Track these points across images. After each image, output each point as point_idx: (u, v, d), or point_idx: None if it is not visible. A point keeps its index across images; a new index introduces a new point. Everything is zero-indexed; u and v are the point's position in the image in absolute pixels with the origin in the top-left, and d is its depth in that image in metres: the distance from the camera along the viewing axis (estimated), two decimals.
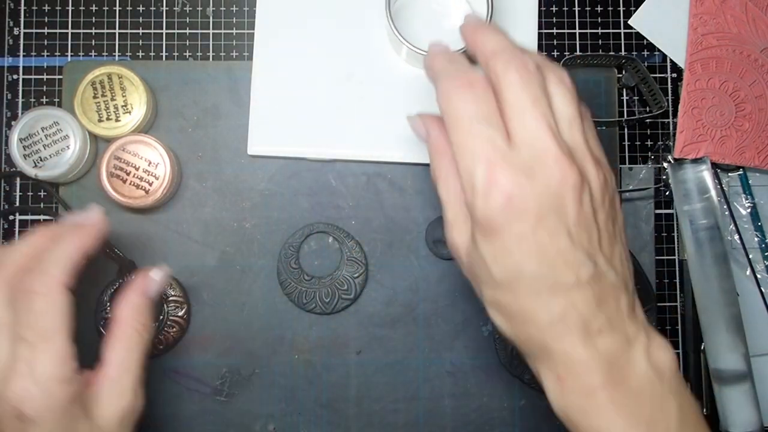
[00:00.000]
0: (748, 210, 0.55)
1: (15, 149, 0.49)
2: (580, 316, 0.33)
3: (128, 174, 0.50)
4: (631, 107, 0.56)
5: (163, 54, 0.55)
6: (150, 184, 0.49)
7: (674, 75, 0.56)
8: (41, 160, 0.50)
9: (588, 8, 0.56)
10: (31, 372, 0.36)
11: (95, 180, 0.52)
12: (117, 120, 0.50)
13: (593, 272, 0.33)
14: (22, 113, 0.51)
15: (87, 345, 0.52)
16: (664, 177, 0.55)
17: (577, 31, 0.56)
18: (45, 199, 0.53)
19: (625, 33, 0.56)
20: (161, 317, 0.51)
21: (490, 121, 0.33)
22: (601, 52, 0.56)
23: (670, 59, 0.56)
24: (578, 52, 0.56)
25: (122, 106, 0.50)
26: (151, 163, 0.50)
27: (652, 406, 0.33)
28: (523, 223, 0.32)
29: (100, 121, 0.50)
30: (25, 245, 0.39)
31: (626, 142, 0.55)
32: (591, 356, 0.33)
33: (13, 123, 0.49)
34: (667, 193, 0.55)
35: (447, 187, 0.36)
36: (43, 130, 0.50)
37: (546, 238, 0.32)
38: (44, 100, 0.54)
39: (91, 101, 0.50)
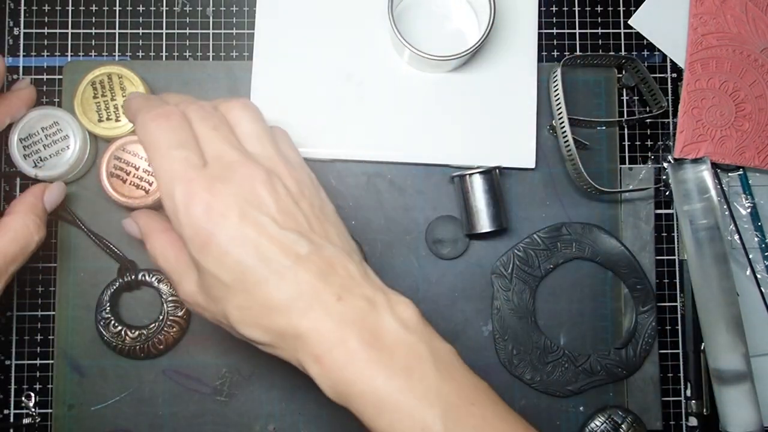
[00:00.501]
0: (748, 210, 0.55)
1: (15, 149, 0.49)
2: (313, 289, 0.35)
3: (128, 174, 0.49)
4: (631, 107, 0.56)
5: (163, 54, 0.55)
6: (150, 184, 0.49)
7: (674, 75, 0.56)
8: (41, 160, 0.49)
9: (588, 8, 0.56)
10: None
11: (95, 180, 0.52)
12: (117, 120, 0.50)
13: (310, 248, 0.36)
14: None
15: (87, 343, 0.52)
16: (664, 177, 0.55)
17: (577, 31, 0.56)
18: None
19: (625, 33, 0.56)
20: (161, 317, 0.51)
21: (186, 145, 0.37)
22: (601, 52, 0.56)
23: (670, 59, 0.56)
24: (578, 52, 0.56)
25: (122, 106, 0.50)
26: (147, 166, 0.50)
27: (407, 355, 0.35)
28: (229, 223, 0.35)
29: (100, 121, 0.50)
30: None
31: (626, 142, 0.55)
32: (338, 324, 0.35)
33: (13, 123, 0.49)
34: (667, 193, 0.55)
35: (165, 256, 0.40)
36: (43, 130, 0.50)
37: (253, 229, 0.35)
38: (44, 100, 0.54)
39: (91, 101, 0.50)
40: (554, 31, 0.56)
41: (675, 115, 0.55)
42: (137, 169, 0.50)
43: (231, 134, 0.38)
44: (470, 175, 0.51)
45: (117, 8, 0.55)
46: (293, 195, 0.38)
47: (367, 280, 0.37)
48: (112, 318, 0.51)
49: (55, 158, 0.50)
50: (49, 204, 0.47)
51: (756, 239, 0.55)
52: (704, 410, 0.53)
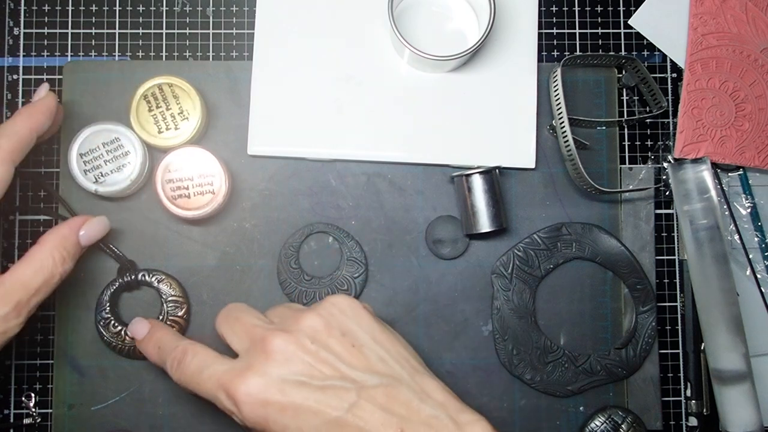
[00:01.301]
0: (748, 210, 0.55)
1: (75, 164, 0.49)
2: (373, 427, 0.36)
3: (188, 188, 0.49)
4: (631, 107, 0.56)
5: (163, 54, 0.55)
6: (211, 184, 0.49)
7: (674, 75, 0.56)
8: (102, 175, 0.49)
9: (588, 8, 0.56)
10: None
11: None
12: (176, 128, 0.50)
13: (356, 386, 0.37)
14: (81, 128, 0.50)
15: (87, 343, 0.52)
16: (664, 177, 0.55)
17: (577, 31, 0.56)
18: (45, 199, 0.53)
19: (625, 33, 0.56)
20: (161, 317, 0.51)
21: (209, 361, 0.41)
22: (601, 52, 0.56)
23: (670, 59, 0.56)
24: (578, 52, 0.56)
25: (179, 114, 0.50)
26: (201, 167, 0.50)
27: None
28: (275, 405, 0.37)
29: (160, 132, 0.50)
30: None
31: (626, 142, 0.55)
32: None
33: (78, 133, 0.49)
34: (667, 193, 0.55)
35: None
36: (104, 146, 0.49)
37: (298, 398, 0.37)
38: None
39: (147, 115, 0.50)
40: (554, 31, 0.56)
41: (675, 115, 0.55)
42: (192, 179, 0.49)
43: (253, 315, 0.43)
44: (470, 175, 0.51)
45: (117, 8, 0.55)
46: (320, 337, 0.39)
47: (426, 400, 0.37)
48: (112, 318, 0.51)
49: (116, 174, 0.49)
50: (86, 239, 0.46)
51: (756, 239, 0.55)
52: (704, 410, 0.53)
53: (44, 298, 0.43)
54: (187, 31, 0.55)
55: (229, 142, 0.53)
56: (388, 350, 0.40)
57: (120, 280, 0.52)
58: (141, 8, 0.55)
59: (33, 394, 0.52)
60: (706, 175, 0.52)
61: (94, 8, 0.55)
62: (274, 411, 0.37)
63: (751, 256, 0.55)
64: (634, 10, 0.56)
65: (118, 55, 0.55)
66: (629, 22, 0.56)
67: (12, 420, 0.52)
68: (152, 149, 0.53)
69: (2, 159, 0.42)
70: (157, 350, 0.44)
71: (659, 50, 0.56)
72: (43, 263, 0.42)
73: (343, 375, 0.37)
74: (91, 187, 0.49)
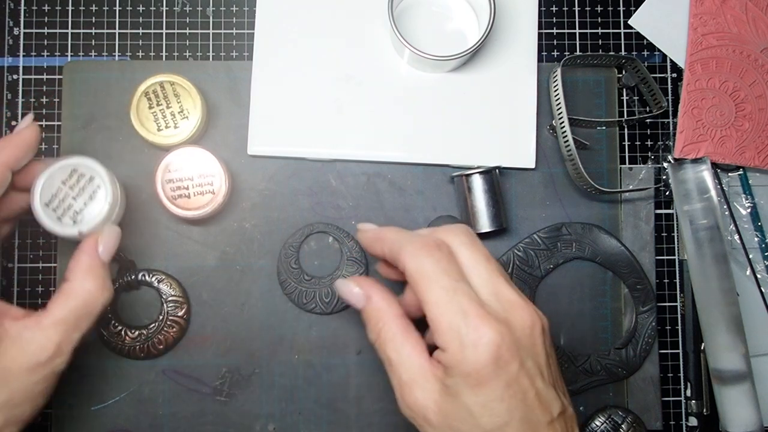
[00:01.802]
0: (748, 210, 0.55)
1: (44, 217, 0.43)
2: None
3: (188, 188, 0.49)
4: (631, 107, 0.56)
5: (163, 54, 0.55)
6: (211, 185, 0.49)
7: (674, 75, 0.56)
8: (77, 213, 0.44)
9: (588, 8, 0.56)
10: None
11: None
12: (176, 127, 0.50)
13: (561, 407, 0.36)
14: (39, 178, 0.44)
15: (87, 343, 0.52)
16: (664, 177, 0.55)
17: (577, 31, 0.56)
18: None
19: (625, 33, 0.56)
20: (161, 317, 0.51)
21: (462, 277, 0.36)
22: (601, 52, 0.56)
23: (670, 59, 0.56)
24: (578, 52, 0.56)
25: (179, 113, 0.50)
26: (201, 167, 0.49)
27: None
28: (510, 371, 0.34)
29: (159, 130, 0.50)
30: None
31: (626, 142, 0.55)
32: None
33: (34, 185, 0.43)
34: (667, 193, 0.55)
35: (397, 349, 0.37)
36: (64, 184, 0.44)
37: (527, 382, 0.35)
38: (44, 100, 0.54)
39: (147, 112, 0.50)
40: (554, 31, 0.56)
41: (675, 115, 0.55)
42: (192, 179, 0.49)
43: (495, 269, 0.37)
44: (470, 175, 0.51)
45: (117, 8, 0.55)
46: (548, 345, 0.37)
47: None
48: (112, 318, 0.51)
49: (90, 206, 0.44)
50: (106, 254, 0.43)
51: (756, 239, 0.55)
52: (704, 410, 0.53)
53: (88, 328, 0.41)
54: (187, 31, 0.55)
55: (229, 142, 0.53)
56: (563, 389, 0.38)
57: (120, 280, 0.52)
58: (141, 8, 0.55)
59: None
60: (706, 175, 0.52)
61: (94, 8, 0.55)
62: (506, 368, 0.34)
63: (751, 256, 0.55)
64: (634, 10, 0.56)
65: (118, 55, 0.55)
66: (629, 22, 0.56)
67: None
68: (151, 148, 0.53)
69: None
70: (402, 233, 0.40)
71: (659, 50, 0.56)
72: (78, 299, 0.40)
73: (556, 390, 0.36)
74: (74, 231, 0.43)
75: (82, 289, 0.41)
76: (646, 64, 0.55)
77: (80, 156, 0.44)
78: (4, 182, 0.42)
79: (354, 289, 0.40)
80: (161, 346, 0.52)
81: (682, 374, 0.54)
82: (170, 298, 0.52)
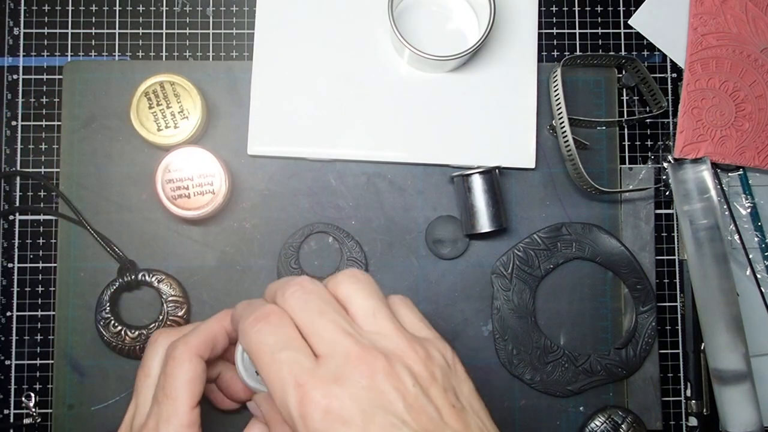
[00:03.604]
0: (748, 210, 0.55)
1: (247, 378, 0.41)
2: None
3: (188, 188, 0.49)
4: (631, 107, 0.56)
5: (163, 54, 0.55)
6: (211, 184, 0.49)
7: (674, 75, 0.56)
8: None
9: (588, 8, 0.56)
10: (155, 429, 0.39)
11: (94, 179, 0.52)
12: (176, 127, 0.50)
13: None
14: None
15: (87, 343, 0.52)
16: (664, 177, 0.55)
17: (577, 31, 0.56)
18: (45, 199, 0.53)
19: (625, 33, 0.56)
20: (161, 317, 0.51)
21: (291, 345, 0.33)
22: (601, 52, 0.56)
23: (670, 59, 0.56)
24: (578, 52, 0.56)
25: (179, 112, 0.50)
26: (201, 167, 0.49)
27: None
28: (352, 430, 0.31)
29: (159, 130, 0.50)
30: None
31: (626, 142, 0.55)
32: None
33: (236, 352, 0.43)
34: (667, 193, 0.55)
35: None
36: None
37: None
38: (44, 100, 0.54)
39: (147, 112, 0.50)
40: (554, 31, 0.56)
41: (675, 115, 0.55)
42: (192, 179, 0.49)
43: (340, 316, 0.34)
44: (470, 175, 0.51)
45: (117, 8, 0.55)
46: (422, 382, 0.33)
47: None
48: (112, 318, 0.51)
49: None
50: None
51: (756, 239, 0.55)
52: (704, 410, 0.53)
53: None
54: (187, 31, 0.55)
55: (229, 142, 0.53)
56: (484, 423, 0.35)
57: (120, 280, 0.52)
58: (141, 8, 0.55)
59: (33, 394, 0.52)
60: (706, 175, 0.52)
61: (94, 8, 0.55)
62: (345, 430, 0.31)
63: (751, 256, 0.55)
64: (634, 10, 0.56)
65: (118, 55, 0.55)
66: (629, 22, 0.56)
67: (12, 420, 0.52)
68: (152, 147, 0.53)
69: (189, 354, 0.40)
70: (246, 305, 0.38)
71: (659, 50, 0.56)
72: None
73: (435, 430, 0.32)
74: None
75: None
76: (646, 64, 0.55)
77: None
78: (223, 343, 0.42)
79: (252, 407, 0.42)
80: None
81: (682, 374, 0.54)
82: (170, 298, 0.52)
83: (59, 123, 0.54)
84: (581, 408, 0.53)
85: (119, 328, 0.51)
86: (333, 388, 0.31)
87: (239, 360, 0.41)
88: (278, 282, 0.37)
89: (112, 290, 0.52)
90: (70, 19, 0.55)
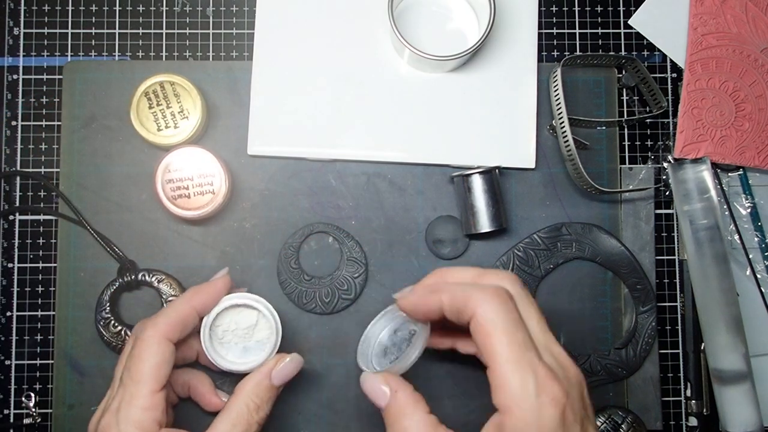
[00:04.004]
0: (748, 210, 0.55)
1: (214, 355, 0.45)
2: None
3: (188, 188, 0.49)
4: (631, 107, 0.56)
5: (163, 54, 0.55)
6: (211, 185, 0.49)
7: (674, 75, 0.56)
8: (245, 350, 0.46)
9: (588, 8, 0.56)
10: (117, 411, 0.39)
11: (94, 179, 0.52)
12: (176, 127, 0.50)
13: None
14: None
15: (87, 343, 0.52)
16: (664, 177, 0.55)
17: (577, 31, 0.56)
18: (45, 199, 0.53)
19: (625, 33, 0.56)
20: None
21: (525, 329, 0.36)
22: (601, 52, 0.56)
23: (670, 59, 0.56)
24: (578, 52, 0.56)
25: (179, 113, 0.50)
26: (201, 167, 0.49)
27: None
28: (575, 431, 0.34)
29: (159, 130, 0.50)
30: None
31: (626, 142, 0.55)
32: None
33: (204, 324, 0.44)
34: (667, 193, 0.55)
35: None
36: (230, 320, 0.46)
37: None
38: (44, 100, 0.54)
39: (147, 112, 0.50)
40: (554, 31, 0.56)
41: (675, 115, 0.55)
42: (192, 179, 0.49)
43: (546, 324, 0.38)
44: (470, 175, 0.51)
45: (117, 8, 0.55)
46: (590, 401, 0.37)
47: None
48: (112, 318, 0.51)
49: (254, 338, 0.46)
50: (278, 379, 0.44)
51: (756, 239, 0.55)
52: (704, 410, 0.53)
53: None
54: (187, 31, 0.55)
55: (229, 142, 0.53)
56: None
57: (120, 280, 0.52)
58: (141, 8, 0.55)
59: (33, 394, 0.52)
60: (706, 175, 0.52)
61: (94, 8, 0.55)
62: (569, 428, 0.34)
63: (751, 256, 0.55)
64: (634, 10, 0.56)
65: (118, 55, 0.55)
66: (629, 22, 0.56)
67: (12, 420, 0.52)
68: (152, 147, 0.53)
69: (156, 337, 0.41)
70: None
71: (659, 50, 0.56)
72: (239, 413, 0.42)
73: None
74: (243, 367, 0.45)
75: (245, 408, 0.42)
76: (646, 64, 0.55)
77: (239, 292, 0.46)
78: (191, 324, 0.43)
79: (381, 386, 0.39)
80: None
81: (682, 374, 0.54)
82: (170, 298, 0.52)
83: (59, 123, 0.54)
84: None
85: (119, 328, 0.51)
86: (565, 386, 0.34)
87: (206, 337, 0.43)
88: (498, 275, 0.39)
89: (112, 290, 0.52)
90: (70, 19, 0.55)
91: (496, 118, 0.53)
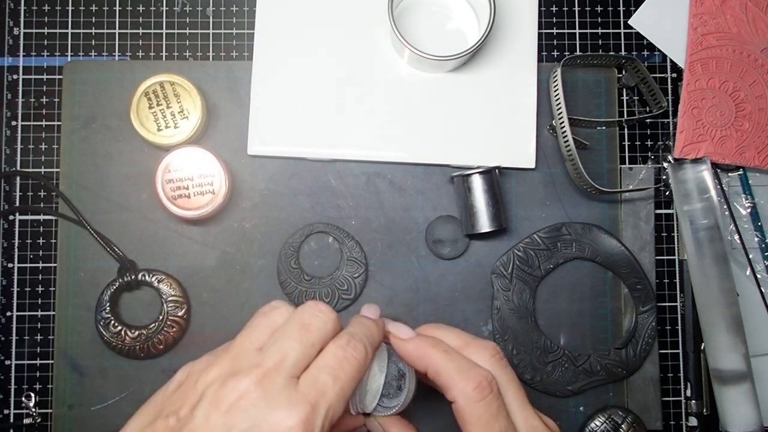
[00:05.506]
0: (748, 210, 0.55)
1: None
2: None
3: (188, 188, 0.49)
4: (631, 107, 0.56)
5: (163, 54, 0.55)
6: (211, 185, 0.49)
7: (674, 75, 0.56)
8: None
9: (588, 8, 0.56)
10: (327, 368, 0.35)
11: (94, 179, 0.52)
12: (176, 127, 0.50)
13: None
14: None
15: (87, 343, 0.52)
16: (664, 177, 0.55)
17: (577, 31, 0.56)
18: (45, 199, 0.53)
19: (625, 33, 0.56)
20: (161, 317, 0.51)
21: (508, 418, 0.37)
22: (601, 52, 0.56)
23: (670, 59, 0.56)
24: (578, 52, 0.56)
25: (179, 113, 0.50)
26: (201, 167, 0.49)
27: None
28: None
29: (159, 130, 0.50)
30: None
31: (626, 142, 0.55)
32: None
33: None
34: (667, 193, 0.55)
35: None
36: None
37: None
38: (44, 100, 0.54)
39: (147, 112, 0.50)
40: (554, 31, 0.56)
41: (675, 115, 0.55)
42: (192, 179, 0.49)
43: (526, 399, 0.40)
44: (470, 175, 0.51)
45: (117, 8, 0.55)
46: None
47: None
48: (112, 318, 0.51)
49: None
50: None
51: (756, 239, 0.55)
52: (704, 410, 0.53)
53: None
54: (187, 31, 0.55)
55: (229, 142, 0.53)
56: None
57: (120, 280, 0.52)
58: (141, 8, 0.55)
59: (33, 394, 0.52)
60: (706, 175, 0.52)
61: (94, 8, 0.55)
62: None
63: (751, 256, 0.55)
64: (634, 10, 0.56)
65: (118, 55, 0.55)
66: (629, 22, 0.56)
67: (12, 420, 0.52)
68: (152, 147, 0.53)
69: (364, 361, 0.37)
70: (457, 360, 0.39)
71: (659, 50, 0.56)
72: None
73: None
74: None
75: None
76: (646, 64, 0.55)
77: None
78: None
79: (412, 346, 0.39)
80: (161, 346, 0.52)
81: (682, 374, 0.54)
82: (170, 298, 0.52)
83: (59, 123, 0.54)
84: (581, 408, 0.53)
85: (119, 328, 0.51)
86: None
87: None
88: (481, 346, 0.40)
89: (112, 290, 0.52)
90: (70, 19, 0.55)
91: (496, 118, 0.53)
